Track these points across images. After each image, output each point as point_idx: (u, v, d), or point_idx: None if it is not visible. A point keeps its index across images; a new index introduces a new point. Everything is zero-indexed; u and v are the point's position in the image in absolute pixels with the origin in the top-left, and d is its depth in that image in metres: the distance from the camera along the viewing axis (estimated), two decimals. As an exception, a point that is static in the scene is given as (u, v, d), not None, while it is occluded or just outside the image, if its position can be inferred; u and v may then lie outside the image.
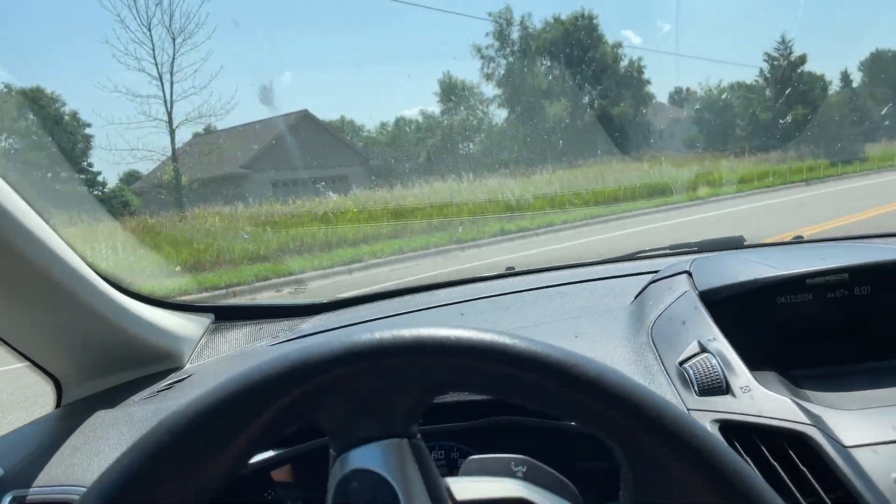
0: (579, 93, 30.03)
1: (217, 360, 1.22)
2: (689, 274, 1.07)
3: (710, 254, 1.29)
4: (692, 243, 1.45)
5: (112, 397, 1.09)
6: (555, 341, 0.46)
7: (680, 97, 34.63)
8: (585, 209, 13.31)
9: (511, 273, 1.51)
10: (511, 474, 0.55)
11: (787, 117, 26.33)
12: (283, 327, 1.32)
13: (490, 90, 37.65)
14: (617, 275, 1.32)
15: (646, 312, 1.01)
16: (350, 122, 32.82)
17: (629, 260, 1.48)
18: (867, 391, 0.86)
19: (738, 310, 0.95)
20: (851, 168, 20.25)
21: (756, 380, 0.77)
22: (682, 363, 0.82)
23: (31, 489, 0.83)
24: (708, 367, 0.78)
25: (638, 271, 1.29)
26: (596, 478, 0.78)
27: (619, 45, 31.67)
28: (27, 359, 1.08)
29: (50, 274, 0.93)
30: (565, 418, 0.46)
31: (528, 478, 0.57)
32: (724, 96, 28.32)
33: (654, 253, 1.48)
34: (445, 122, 31.10)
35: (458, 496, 0.48)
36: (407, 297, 1.40)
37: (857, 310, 0.96)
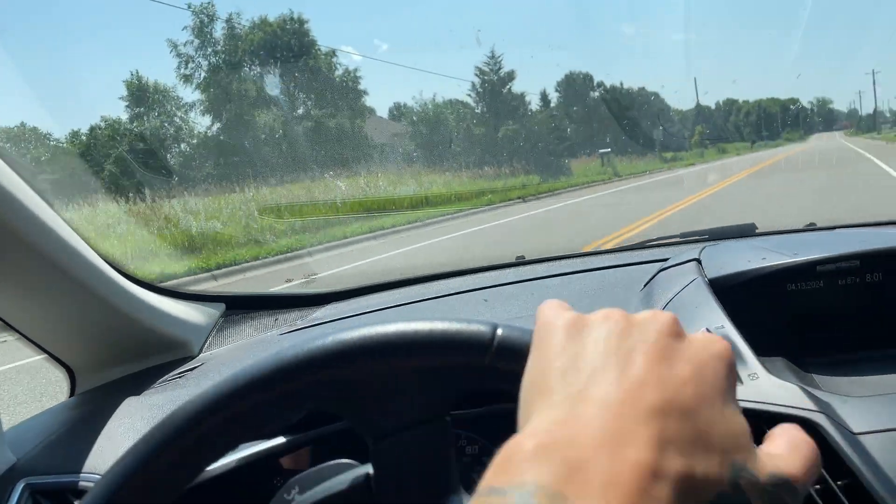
0: (293, 102, 27.59)
1: (229, 348, 1.22)
2: (699, 261, 1.07)
3: (720, 242, 1.29)
4: (703, 231, 1.45)
5: (125, 386, 1.10)
6: None
7: (399, 111, 34.05)
8: (287, 239, 10.79)
9: (521, 262, 1.53)
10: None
11: (498, 133, 26.85)
12: (294, 316, 1.33)
13: (190, 94, 33.42)
14: (625, 263, 1.34)
15: (655, 300, 1.00)
16: (33, 129, 25.92)
17: (639, 248, 1.50)
18: (876, 378, 0.86)
19: (748, 297, 0.95)
20: (560, 184, 20.83)
21: (764, 367, 0.76)
22: None
23: (44, 477, 0.83)
24: None
25: (647, 259, 1.30)
26: None
27: (333, 53, 29.88)
28: (41, 348, 1.10)
29: (61, 264, 0.93)
30: None
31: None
32: (438, 111, 28.18)
33: (663, 241, 1.49)
34: (136, 128, 26.16)
35: None
36: (418, 287, 1.40)
37: (868, 297, 0.95)
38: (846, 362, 0.91)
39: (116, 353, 1.14)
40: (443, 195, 15.31)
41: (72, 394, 1.15)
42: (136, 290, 1.10)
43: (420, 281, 1.44)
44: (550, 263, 1.46)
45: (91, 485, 0.78)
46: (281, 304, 1.37)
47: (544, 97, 34.95)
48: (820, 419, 0.67)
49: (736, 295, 0.93)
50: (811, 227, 1.43)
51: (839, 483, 0.63)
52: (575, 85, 35.82)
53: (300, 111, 28.89)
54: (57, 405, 1.09)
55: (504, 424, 0.71)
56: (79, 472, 0.84)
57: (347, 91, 29.84)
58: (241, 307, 1.34)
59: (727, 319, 0.85)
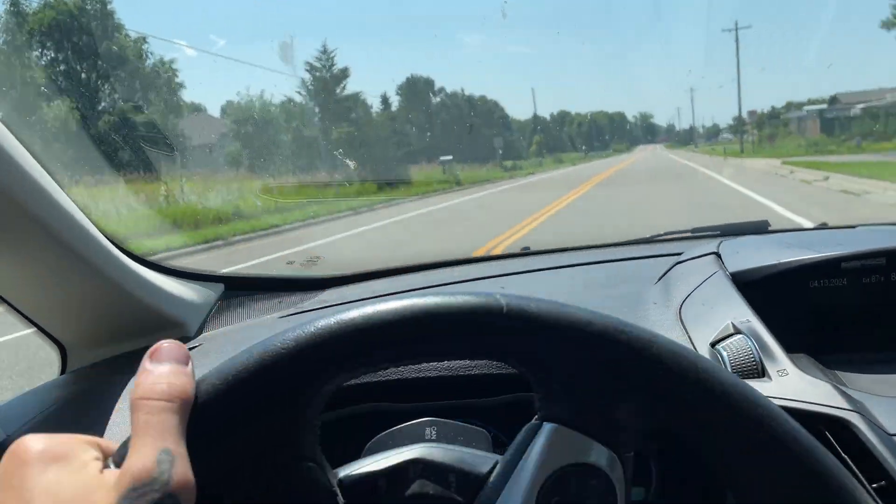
0: (92, 93, 23.71)
1: (229, 329, 1.20)
2: (718, 255, 1.05)
3: (736, 237, 1.26)
4: (715, 227, 1.44)
5: (119, 365, 1.06)
6: None
7: (230, 108, 30.81)
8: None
9: (527, 252, 1.52)
10: (421, 439, 0.56)
11: (331, 134, 24.77)
12: (296, 299, 1.30)
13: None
14: (634, 256, 1.33)
15: (672, 293, 0.97)
16: None
17: (647, 243, 1.48)
18: None
19: (769, 293, 0.92)
20: (399, 192, 19.26)
21: (794, 363, 0.75)
22: (714, 344, 0.79)
23: None
24: (743, 349, 0.76)
25: (657, 253, 1.29)
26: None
27: (144, 39, 26.19)
28: (34, 324, 1.07)
29: (60, 236, 0.90)
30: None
31: (440, 438, 0.58)
32: (266, 108, 25.52)
33: (674, 236, 1.47)
34: None
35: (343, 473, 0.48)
36: (422, 274, 1.38)
37: (893, 296, 0.93)
38: (870, 362, 0.88)
39: (111, 330, 1.10)
40: (252, 208, 12.96)
41: (63, 372, 1.13)
42: (133, 265, 1.07)
43: (424, 268, 1.41)
44: (559, 255, 1.44)
45: None
46: (281, 287, 1.34)
47: (385, 100, 33.38)
48: (854, 419, 0.65)
49: (756, 290, 0.91)
50: (823, 227, 1.45)
51: (874, 486, 0.60)
52: (416, 88, 34.63)
53: (103, 104, 25.03)
54: (47, 382, 1.05)
55: (510, 414, 0.71)
56: None
57: (161, 84, 26.32)
58: (240, 288, 1.31)
59: (752, 313, 0.83)
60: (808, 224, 4.81)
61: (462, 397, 0.79)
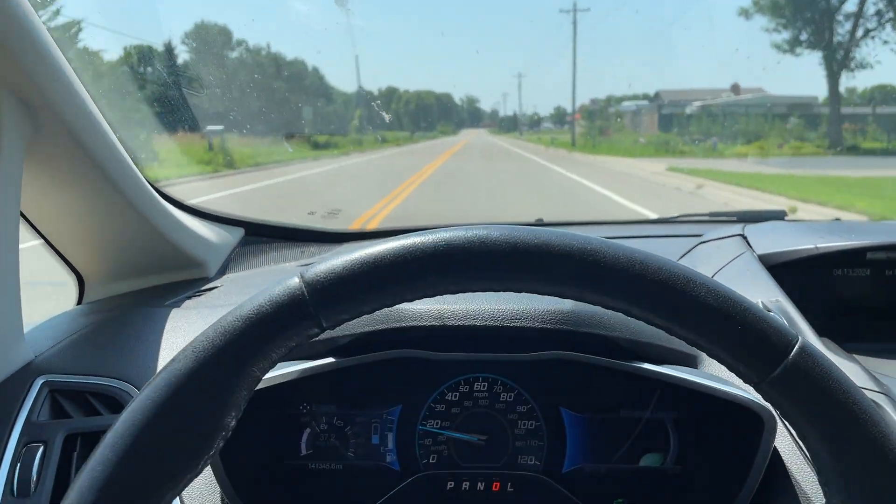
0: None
1: (249, 273, 1.20)
2: (744, 237, 1.08)
3: (758, 223, 1.27)
4: (732, 212, 1.45)
5: (142, 298, 1.08)
6: None
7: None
8: None
9: (541, 224, 1.52)
10: None
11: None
12: (314, 251, 1.32)
13: None
14: (651, 235, 1.36)
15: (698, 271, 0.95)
16: None
17: (663, 223, 1.50)
18: None
19: (792, 278, 0.94)
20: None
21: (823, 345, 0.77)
22: None
23: (63, 376, 0.81)
24: None
25: (676, 233, 1.32)
26: (639, 427, 0.77)
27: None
28: (59, 255, 1.08)
29: (106, 170, 0.90)
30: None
31: None
32: None
33: (692, 218, 1.48)
34: None
35: None
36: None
37: None
38: (888, 351, 0.91)
39: (135, 265, 1.12)
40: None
41: (79, 301, 1.14)
42: (162, 202, 1.06)
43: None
44: (572, 228, 1.41)
45: (117, 387, 0.78)
46: (300, 238, 1.36)
47: (169, 49, 25.55)
48: (881, 400, 0.67)
49: (778, 274, 0.93)
50: (837, 221, 1.47)
51: None
52: (206, 38, 27.06)
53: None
54: (70, 310, 1.06)
55: (541, 372, 0.76)
56: (100, 375, 0.81)
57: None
58: (259, 234, 1.31)
59: (782, 293, 0.85)
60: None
61: (496, 350, 0.77)
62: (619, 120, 33.28)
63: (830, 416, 0.39)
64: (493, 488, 0.77)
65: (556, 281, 0.42)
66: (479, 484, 0.77)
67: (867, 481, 0.40)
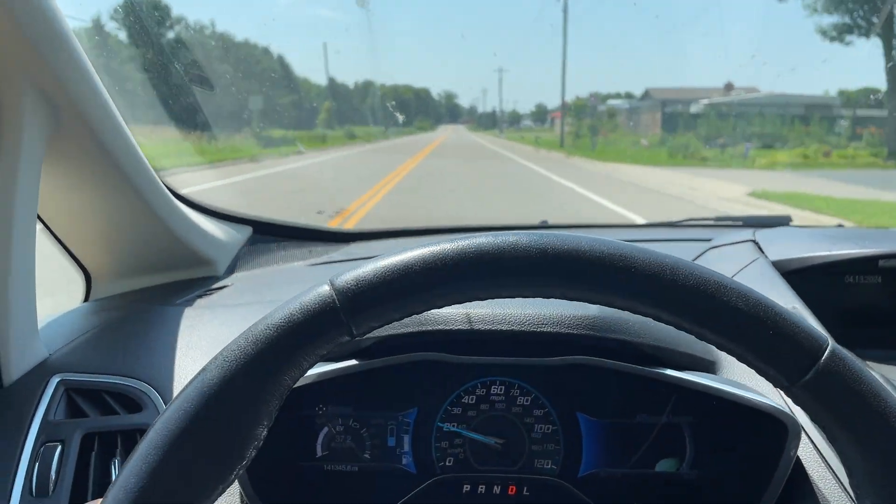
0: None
1: (260, 272, 1.20)
2: (755, 243, 1.08)
3: (767, 229, 1.28)
4: (737, 217, 1.46)
5: (152, 296, 1.08)
6: None
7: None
8: None
9: (546, 226, 1.55)
10: None
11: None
12: (322, 250, 1.34)
13: None
14: (659, 239, 1.35)
15: None
16: None
17: (670, 227, 1.50)
18: None
19: (803, 284, 0.94)
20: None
21: None
22: None
23: (78, 374, 0.80)
24: None
25: (684, 238, 1.33)
26: (655, 432, 0.77)
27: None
28: (67, 251, 1.08)
29: (119, 166, 0.89)
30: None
31: None
32: None
33: (698, 222, 1.49)
34: None
35: None
36: (450, 236, 1.22)
37: None
38: (892, 359, 0.91)
39: (143, 263, 1.11)
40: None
41: (86, 298, 1.14)
42: (174, 201, 1.06)
43: (450, 231, 1.44)
44: (578, 231, 1.44)
45: (134, 387, 0.78)
46: (308, 237, 1.37)
47: (98, 25, 24.44)
48: None
49: (791, 280, 0.94)
50: (840, 228, 1.47)
51: None
52: (139, 15, 25.68)
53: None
54: (80, 307, 1.06)
55: (558, 376, 0.76)
56: (115, 374, 0.80)
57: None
58: (267, 233, 1.33)
59: (798, 300, 0.85)
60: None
61: (514, 355, 0.78)
62: (612, 118, 32.56)
63: (862, 418, 0.40)
64: (510, 492, 0.77)
65: (586, 286, 0.42)
66: (495, 487, 0.77)
67: None
